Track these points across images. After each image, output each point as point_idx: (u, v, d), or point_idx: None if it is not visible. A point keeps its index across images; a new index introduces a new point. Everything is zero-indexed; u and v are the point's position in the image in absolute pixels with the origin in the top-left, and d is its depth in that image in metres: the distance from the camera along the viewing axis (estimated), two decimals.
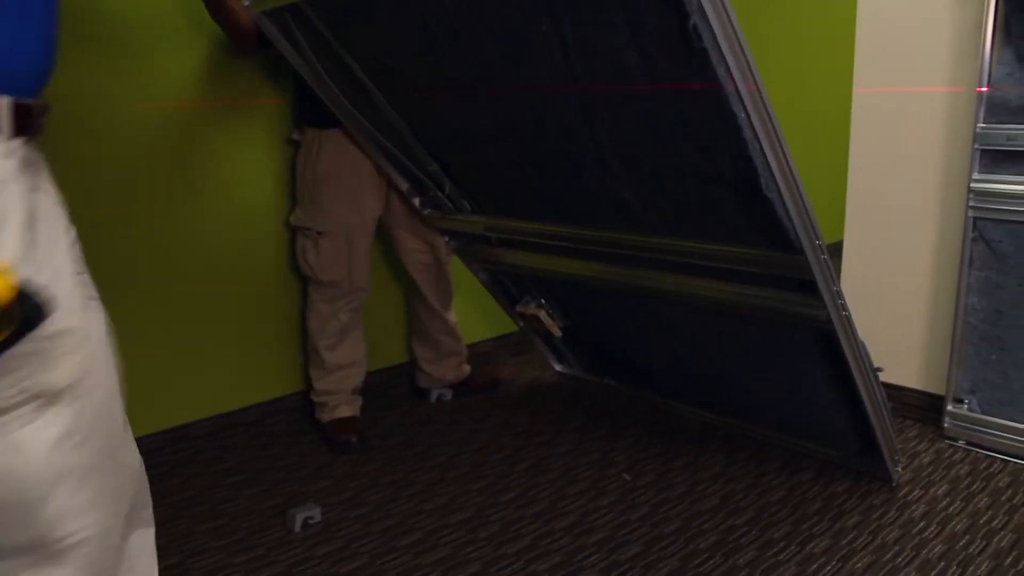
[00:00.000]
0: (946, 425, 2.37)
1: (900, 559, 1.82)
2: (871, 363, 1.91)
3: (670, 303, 2.15)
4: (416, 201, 2.50)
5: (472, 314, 3.19)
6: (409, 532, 2.01)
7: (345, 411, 2.57)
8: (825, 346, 1.90)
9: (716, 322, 2.11)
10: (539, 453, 2.41)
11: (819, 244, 1.64)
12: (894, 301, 2.48)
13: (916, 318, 2.47)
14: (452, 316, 2.80)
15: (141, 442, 2.40)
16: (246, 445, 2.52)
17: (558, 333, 2.67)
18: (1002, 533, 1.90)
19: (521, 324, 2.78)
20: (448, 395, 2.87)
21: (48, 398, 0.93)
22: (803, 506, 2.06)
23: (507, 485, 2.23)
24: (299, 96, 2.47)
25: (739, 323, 2.05)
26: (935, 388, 2.45)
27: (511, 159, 2.10)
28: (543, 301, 2.64)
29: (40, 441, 0.93)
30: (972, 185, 2.20)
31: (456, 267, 3.03)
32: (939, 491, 2.10)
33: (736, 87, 1.42)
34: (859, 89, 2.48)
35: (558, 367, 3.00)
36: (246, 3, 2.12)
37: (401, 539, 1.99)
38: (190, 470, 2.36)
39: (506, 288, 2.74)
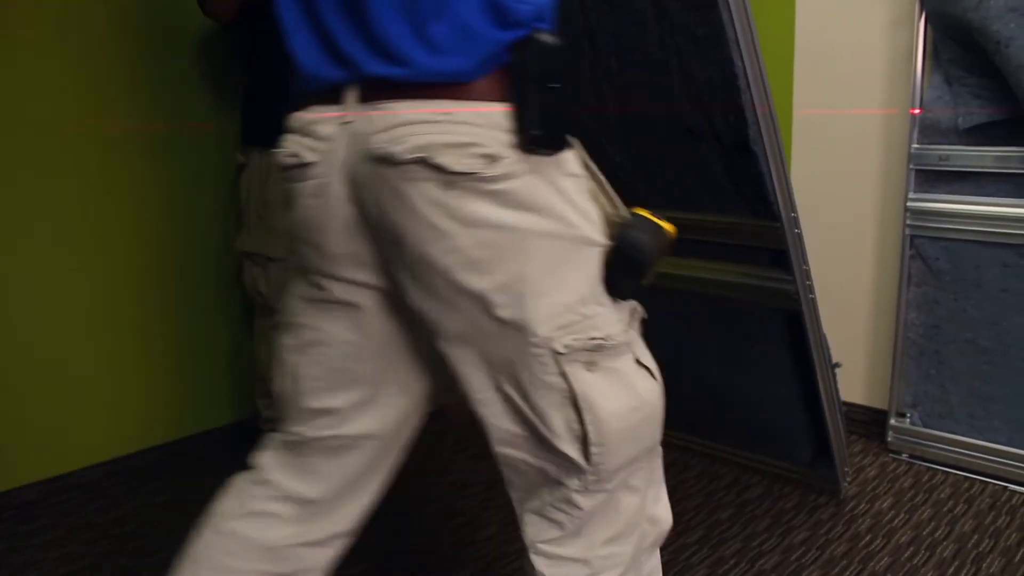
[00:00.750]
0: (889, 439, 2.42)
1: (848, 573, 1.84)
2: (830, 356, 1.96)
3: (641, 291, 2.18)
4: None
5: None
6: (358, 561, 1.98)
7: None
8: (789, 334, 1.95)
9: (685, 308, 2.14)
10: (488, 477, 2.39)
11: (794, 216, 1.70)
12: (836, 318, 2.52)
13: (858, 335, 2.52)
14: None
15: (76, 476, 2.36)
16: (190, 476, 2.45)
17: None
18: (944, 544, 1.94)
19: None
20: None
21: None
22: (753, 523, 2.08)
23: (458, 509, 2.21)
24: (247, 115, 2.45)
25: (709, 308, 2.08)
26: (878, 403, 2.50)
27: None
28: None
29: (651, 359, 1.11)
30: (908, 204, 2.26)
31: None
32: (884, 504, 2.14)
33: (736, 34, 1.49)
34: (799, 111, 2.53)
35: None
36: None
37: (350, 567, 1.95)
38: (132, 503, 2.29)
39: None
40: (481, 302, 1.00)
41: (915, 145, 2.23)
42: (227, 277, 2.60)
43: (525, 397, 1.03)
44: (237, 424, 2.68)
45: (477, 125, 0.96)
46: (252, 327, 2.55)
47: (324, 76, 1.03)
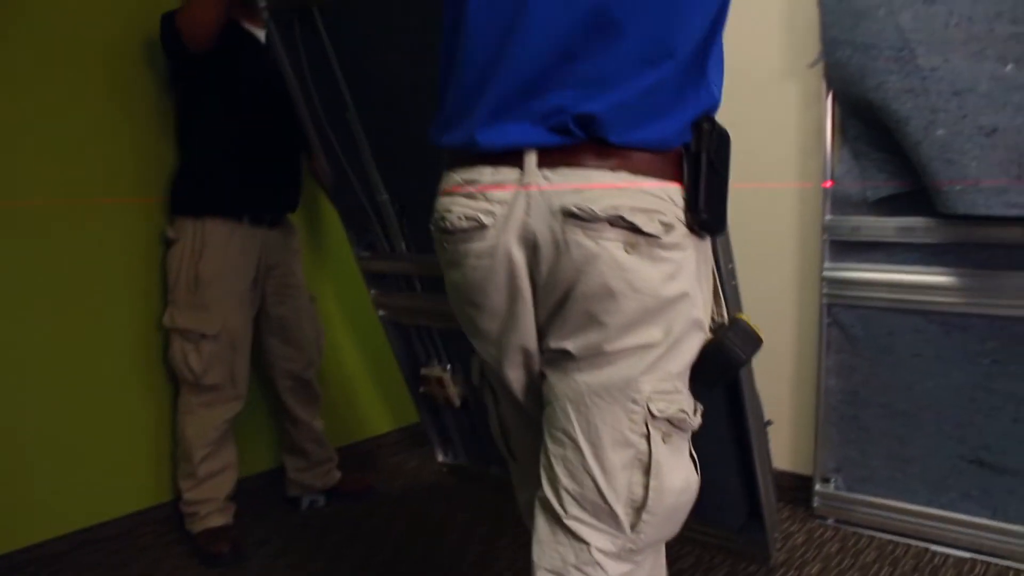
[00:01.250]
0: (815, 505, 2.46)
1: None
2: (763, 413, 2.00)
3: None
4: (352, 239, 2.49)
5: (347, 415, 3.14)
6: None
7: (217, 520, 2.45)
8: (723, 390, 1.99)
9: None
10: (419, 554, 2.35)
11: (731, 267, 1.73)
12: (759, 387, 2.57)
13: (781, 403, 2.57)
14: (319, 423, 2.74)
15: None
16: (108, 563, 2.36)
17: (457, 403, 2.65)
18: None
19: (422, 390, 2.74)
20: (320, 501, 2.77)
21: None
22: None
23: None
24: (181, 186, 2.42)
25: None
26: (803, 469, 2.54)
27: None
28: (449, 366, 2.64)
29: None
30: (824, 274, 2.34)
31: (333, 369, 2.99)
32: (812, 570, 2.16)
33: None
34: None
35: (442, 457, 2.96)
36: (263, 3, 2.15)
37: None
38: None
39: (414, 351, 2.71)
40: (620, 356, 1.08)
41: (828, 216, 2.32)
42: (148, 354, 2.54)
43: (596, 449, 1.08)
44: (161, 506, 2.59)
45: (657, 197, 1.05)
46: (175, 406, 2.49)
47: (500, 141, 1.08)
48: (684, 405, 1.11)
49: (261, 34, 2.45)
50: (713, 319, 1.18)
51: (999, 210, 1.94)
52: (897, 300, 2.23)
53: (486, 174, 1.10)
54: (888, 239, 2.23)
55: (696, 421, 1.14)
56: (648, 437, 1.08)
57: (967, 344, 2.16)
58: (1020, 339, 2.07)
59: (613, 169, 1.04)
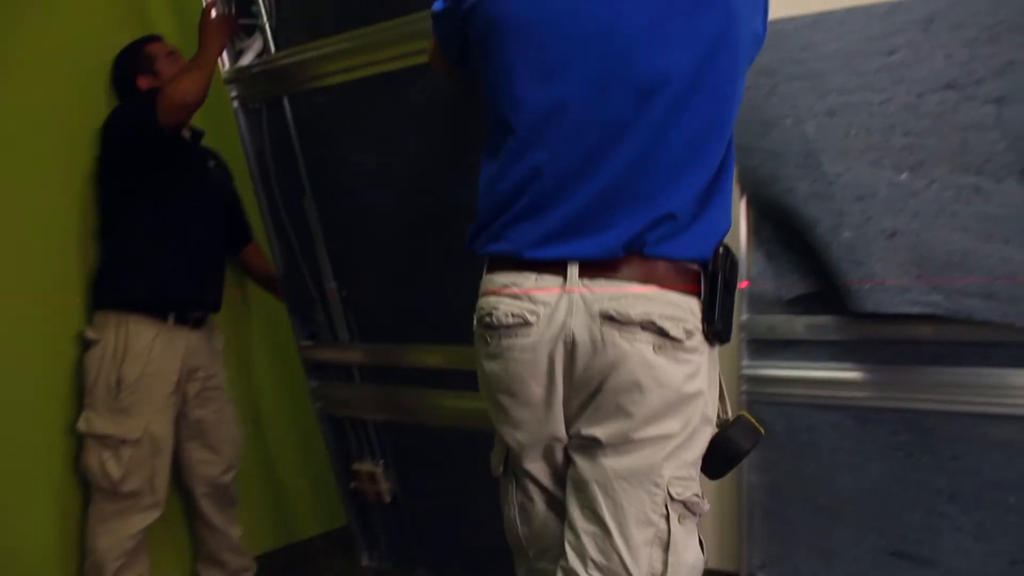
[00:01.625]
0: None
1: None
2: None
3: None
4: (296, 328, 2.47)
5: (270, 520, 3.04)
6: None
7: None
8: None
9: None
10: None
11: None
12: None
13: (706, 499, 2.58)
14: (236, 531, 2.64)
15: None
16: None
17: (387, 498, 2.60)
18: None
19: (352, 486, 2.68)
20: None
21: None
22: None
23: None
24: (103, 275, 2.36)
25: None
26: (729, 565, 2.54)
27: (413, 282, 2.25)
28: (382, 462, 2.60)
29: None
30: (743, 371, 2.40)
31: (256, 472, 2.92)
32: None
33: None
34: None
35: (367, 561, 2.88)
36: (233, 93, 2.23)
37: None
38: None
39: (347, 446, 2.66)
40: (644, 444, 1.23)
41: (745, 316, 2.39)
42: (54, 462, 2.39)
43: (622, 527, 1.22)
44: None
45: (680, 307, 1.23)
46: (85, 516, 2.37)
47: (547, 255, 1.24)
48: (697, 490, 1.27)
49: (187, 134, 2.45)
50: (719, 415, 1.32)
51: (904, 308, 2.04)
52: (814, 396, 2.30)
53: (531, 279, 1.25)
54: (802, 337, 2.30)
55: (705, 506, 1.29)
56: (667, 518, 1.23)
57: (881, 438, 2.22)
58: (930, 431, 2.15)
59: (643, 280, 1.22)
